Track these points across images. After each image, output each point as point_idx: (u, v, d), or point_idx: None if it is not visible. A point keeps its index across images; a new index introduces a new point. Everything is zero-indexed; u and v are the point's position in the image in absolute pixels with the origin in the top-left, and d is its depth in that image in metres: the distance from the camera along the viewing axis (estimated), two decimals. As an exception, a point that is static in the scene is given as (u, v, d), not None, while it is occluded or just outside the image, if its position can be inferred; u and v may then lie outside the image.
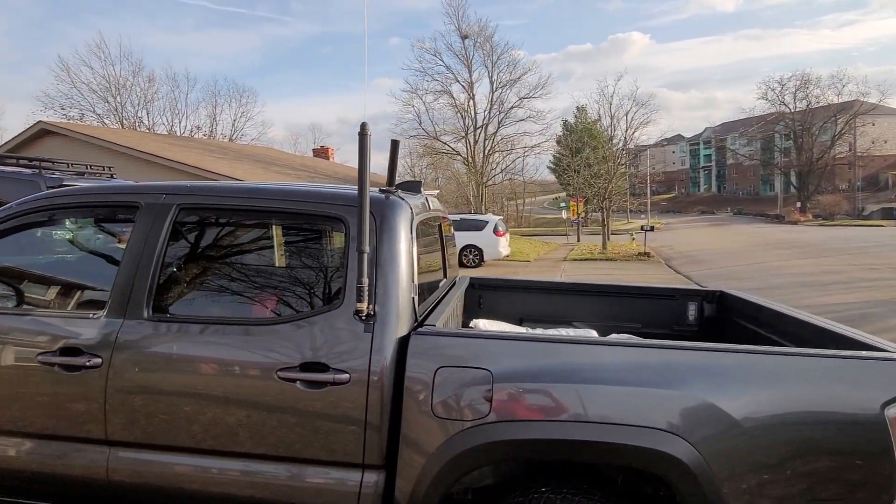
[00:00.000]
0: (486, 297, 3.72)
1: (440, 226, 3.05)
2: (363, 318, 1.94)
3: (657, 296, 3.56)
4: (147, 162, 14.99)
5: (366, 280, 1.90)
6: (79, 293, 2.25)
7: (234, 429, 2.00)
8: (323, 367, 1.95)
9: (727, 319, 3.32)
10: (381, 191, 2.30)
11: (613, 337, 3.28)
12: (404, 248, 2.12)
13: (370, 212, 2.11)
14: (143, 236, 2.16)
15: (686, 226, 46.87)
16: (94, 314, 2.11)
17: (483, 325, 3.24)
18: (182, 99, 49.38)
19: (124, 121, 37.10)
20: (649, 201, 51.42)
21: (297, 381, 1.95)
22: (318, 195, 2.18)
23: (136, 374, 2.04)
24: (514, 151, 31.26)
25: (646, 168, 43.54)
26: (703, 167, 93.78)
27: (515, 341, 1.99)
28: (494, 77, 28.31)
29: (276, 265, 2.22)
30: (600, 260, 19.78)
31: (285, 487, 2.00)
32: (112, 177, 7.68)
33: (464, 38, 27.16)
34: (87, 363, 2.04)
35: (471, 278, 3.70)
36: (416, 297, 2.12)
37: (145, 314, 2.09)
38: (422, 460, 1.91)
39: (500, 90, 28.33)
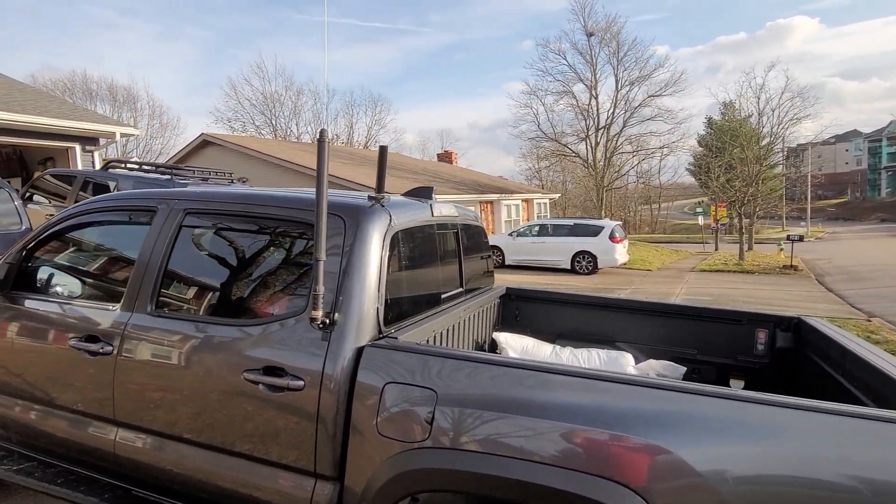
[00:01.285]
0: (523, 309, 3.51)
1: (458, 233, 2.93)
2: (319, 326, 1.93)
3: (719, 319, 3.08)
4: (283, 168, 16.63)
5: (321, 288, 1.88)
6: (109, 287, 2.54)
7: (208, 420, 2.11)
8: (282, 372, 1.98)
9: (803, 354, 2.76)
10: (370, 198, 2.28)
11: (647, 365, 2.91)
12: (373, 257, 2.06)
13: (342, 217, 2.10)
14: (155, 237, 2.37)
15: (857, 236, 40.11)
16: (113, 307, 2.37)
17: (505, 339, 3.07)
18: (324, 110, 54.00)
19: (277, 131, 41.66)
20: (809, 207, 45.04)
21: (260, 384, 2.00)
22: (296, 201, 2.21)
23: (135, 363, 2.25)
24: (639, 153, 29.26)
25: (806, 168, 38.19)
26: (885, 168, 79.25)
27: (464, 361, 1.83)
28: (620, 75, 26.73)
29: (260, 268, 2.30)
30: (734, 272, 17.72)
31: (249, 484, 2.06)
32: (231, 182, 8.65)
33: (589, 35, 25.99)
34: (101, 350, 2.29)
35: (507, 288, 3.52)
36: (382, 308, 2.06)
37: (149, 309, 2.29)
38: (366, 477, 1.85)
39: (625, 88, 26.70)
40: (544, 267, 16.81)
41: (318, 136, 1.91)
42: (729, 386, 2.95)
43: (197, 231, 2.38)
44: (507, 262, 17.44)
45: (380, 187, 2.32)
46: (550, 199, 28.04)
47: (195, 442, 2.15)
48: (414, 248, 2.44)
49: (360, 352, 1.94)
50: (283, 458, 1.99)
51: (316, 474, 1.95)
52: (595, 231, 16.49)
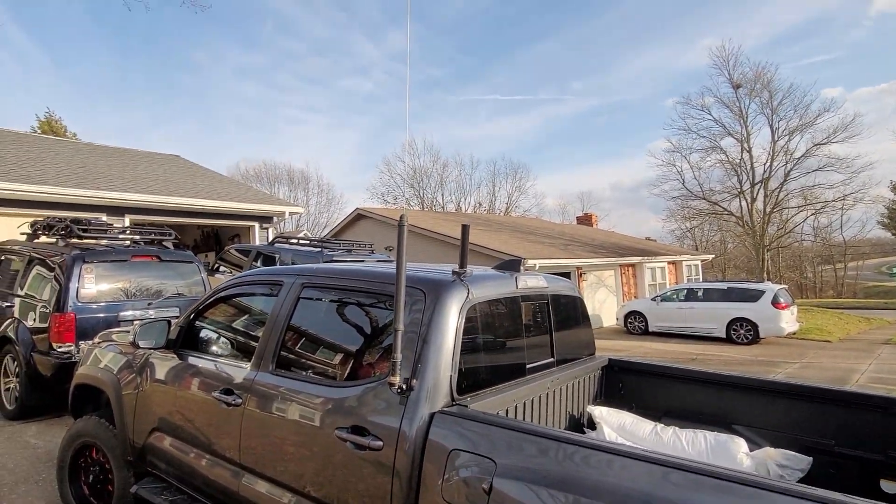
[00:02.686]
0: (628, 382, 3.36)
1: (548, 303, 2.98)
2: (397, 391, 2.12)
3: (865, 405, 2.65)
4: (426, 237, 17.83)
5: (398, 355, 2.09)
6: (246, 347, 3.03)
7: (309, 472, 2.37)
8: (366, 432, 2.19)
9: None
10: (453, 272, 2.48)
11: (763, 453, 2.59)
12: (449, 328, 2.23)
13: (423, 291, 2.32)
14: (280, 306, 2.81)
15: None
16: (245, 365, 2.82)
17: (601, 414, 2.98)
18: (468, 180, 57.09)
19: (424, 201, 44.89)
20: None
21: (348, 442, 2.23)
22: (383, 276, 2.50)
23: (256, 414, 2.64)
24: (809, 207, 25.67)
25: None
26: None
27: (524, 433, 1.87)
28: (776, 125, 24.18)
29: (354, 335, 2.59)
30: (950, 346, 14.41)
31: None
32: (371, 252, 9.54)
33: (736, 87, 24.15)
34: (233, 402, 2.73)
35: (610, 360, 3.41)
36: (455, 376, 2.19)
37: (271, 367, 2.69)
38: (433, 541, 1.93)
39: (783, 139, 23.99)
40: (694, 335, 15.37)
41: (399, 221, 2.18)
42: (879, 489, 2.49)
43: (310, 302, 2.77)
44: (650, 329, 16.29)
45: (462, 262, 2.51)
46: (703, 261, 25.84)
47: (296, 490, 2.42)
48: (494, 319, 2.56)
49: (432, 417, 2.08)
50: None
51: (392, 531, 2.08)
52: (754, 296, 14.76)
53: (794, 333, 15.23)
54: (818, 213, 28.54)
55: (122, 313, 5.94)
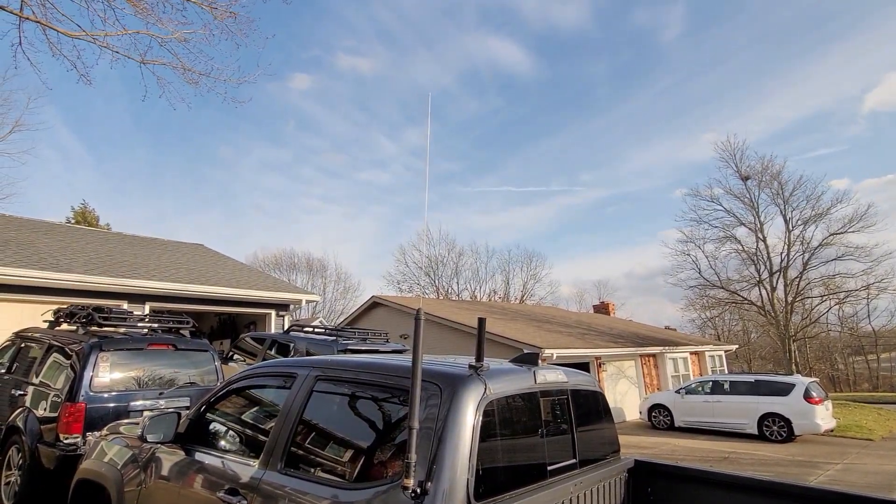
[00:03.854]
0: (658, 488, 3.13)
1: (568, 399, 2.87)
2: (410, 495, 2.00)
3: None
4: (440, 325, 17.68)
5: (413, 456, 1.99)
6: (255, 443, 2.92)
7: None
8: (380, 539, 2.04)
9: None
10: (469, 366, 2.43)
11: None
12: (466, 426, 2.14)
13: (439, 385, 2.26)
14: (291, 400, 2.75)
15: None
16: (253, 462, 2.71)
17: (629, 522, 2.75)
18: (482, 268, 57.65)
19: (439, 290, 45.01)
20: None
21: (360, 549, 2.07)
22: (398, 369, 2.45)
23: (262, 518, 2.49)
24: (832, 296, 25.04)
25: None
26: None
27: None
28: (789, 215, 24.26)
29: (368, 432, 2.49)
30: None
31: None
32: (387, 340, 9.44)
33: (745, 179, 24.56)
34: (238, 503, 2.59)
35: (636, 461, 3.21)
36: (472, 479, 2.07)
37: (279, 466, 2.58)
38: None
39: (798, 228, 23.96)
40: (723, 431, 14.53)
41: (416, 314, 2.17)
42: None
43: (323, 395, 2.70)
44: (675, 424, 15.47)
45: (479, 356, 2.46)
46: (726, 351, 25.00)
47: None
48: (513, 416, 2.46)
49: None
50: None
51: None
52: (784, 389, 14.09)
53: (832, 430, 14.33)
54: (842, 302, 27.83)
55: (132, 403, 5.85)
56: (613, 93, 71.01)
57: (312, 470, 2.52)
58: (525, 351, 3.06)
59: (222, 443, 3.08)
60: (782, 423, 13.67)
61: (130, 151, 62.27)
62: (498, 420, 2.33)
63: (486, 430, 2.21)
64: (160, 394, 6.11)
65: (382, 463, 2.34)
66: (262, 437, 2.85)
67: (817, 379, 15.91)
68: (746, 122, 64.30)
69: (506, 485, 2.28)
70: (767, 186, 25.02)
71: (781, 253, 24.41)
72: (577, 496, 2.64)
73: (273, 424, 2.75)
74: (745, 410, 14.31)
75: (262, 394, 3.18)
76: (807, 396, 13.65)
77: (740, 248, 25.41)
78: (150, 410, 5.64)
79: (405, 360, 2.67)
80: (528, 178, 75.64)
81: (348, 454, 2.50)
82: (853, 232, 23.01)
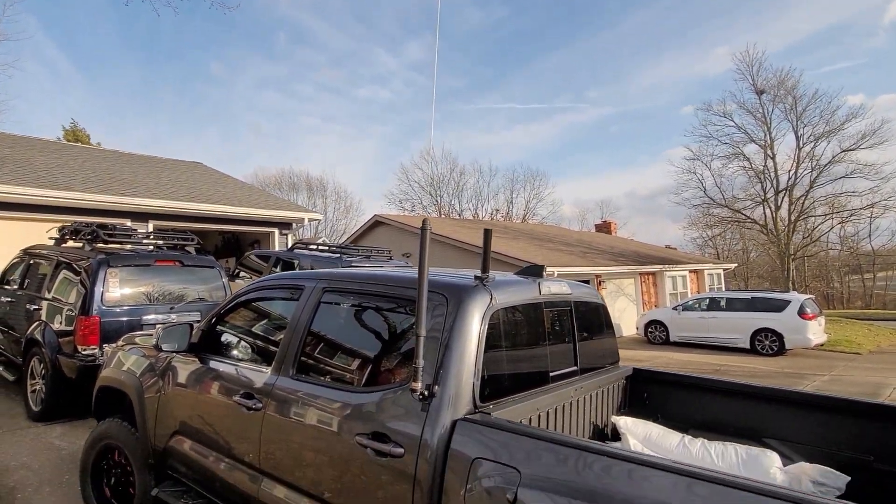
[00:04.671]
0: (653, 393, 3.27)
1: (571, 310, 2.92)
2: (419, 397, 2.08)
3: (904, 419, 2.54)
4: (443, 243, 17.82)
5: (420, 361, 2.05)
6: (266, 352, 3.02)
7: (327, 477, 2.35)
8: (386, 438, 2.15)
9: None
10: (475, 277, 2.44)
11: (798, 468, 2.49)
12: (472, 334, 2.19)
13: (445, 296, 2.29)
14: (300, 311, 2.80)
15: None
16: (266, 369, 2.81)
17: (626, 424, 2.91)
18: (485, 187, 57.25)
19: (441, 208, 44.95)
20: None
21: (368, 448, 2.19)
22: (404, 281, 2.47)
23: (277, 419, 2.62)
24: (836, 215, 24.96)
25: None
26: None
27: (550, 443, 1.81)
28: (801, 131, 23.57)
29: (375, 340, 2.57)
30: None
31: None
32: (390, 258, 9.54)
33: (760, 93, 23.61)
34: (254, 406, 2.72)
35: (635, 369, 3.33)
36: (478, 383, 2.15)
37: (291, 372, 2.67)
38: (455, 552, 1.88)
39: (809, 145, 23.37)
40: (717, 346, 15.06)
41: (422, 225, 2.15)
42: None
43: (331, 306, 2.75)
44: (671, 339, 16.02)
45: (485, 267, 2.47)
46: (725, 270, 25.34)
47: (315, 496, 2.39)
48: (517, 325, 2.52)
49: (454, 425, 2.03)
50: None
51: (412, 540, 2.04)
52: (779, 305, 14.43)
53: (822, 345, 14.84)
54: (845, 221, 27.81)
55: (145, 317, 6.01)
56: (625, 1, 66.74)
57: (323, 376, 2.62)
58: (527, 268, 3.08)
59: (234, 352, 3.18)
60: (774, 338, 14.12)
61: (121, 69, 59.93)
62: (503, 329, 2.38)
63: (492, 339, 2.27)
64: (171, 308, 6.27)
65: (390, 370, 2.42)
66: (272, 347, 2.94)
67: (812, 296, 16.23)
68: (762, 36, 60.94)
69: (509, 389, 2.38)
70: (782, 101, 24.19)
71: (790, 171, 24.05)
72: (578, 399, 2.76)
73: (283, 334, 2.82)
74: (740, 326, 14.74)
75: (271, 305, 3.24)
76: (801, 312, 14.00)
77: (748, 165, 25.03)
78: (163, 324, 5.81)
79: (411, 271, 2.69)
80: (533, 95, 73.01)
81: (357, 362, 2.59)
82: (865, 148, 22.51)
